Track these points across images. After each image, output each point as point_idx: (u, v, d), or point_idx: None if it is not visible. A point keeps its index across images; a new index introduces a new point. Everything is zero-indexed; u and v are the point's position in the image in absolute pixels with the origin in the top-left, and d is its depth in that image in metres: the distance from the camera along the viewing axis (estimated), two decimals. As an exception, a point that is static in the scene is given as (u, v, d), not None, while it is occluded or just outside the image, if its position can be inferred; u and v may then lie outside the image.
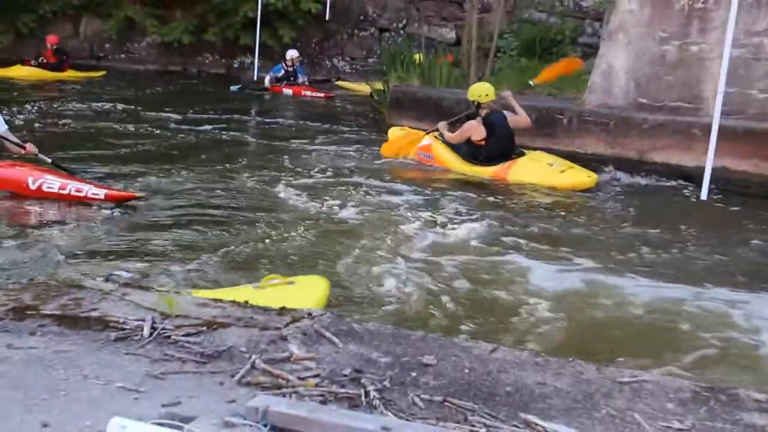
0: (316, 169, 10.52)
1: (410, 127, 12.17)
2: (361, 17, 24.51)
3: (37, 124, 13.14)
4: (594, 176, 10.26)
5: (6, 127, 7.82)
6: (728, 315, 5.94)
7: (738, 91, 10.36)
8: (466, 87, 12.97)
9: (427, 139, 11.33)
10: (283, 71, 19.69)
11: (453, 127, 10.99)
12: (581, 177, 10.23)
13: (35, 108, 14.87)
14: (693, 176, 10.40)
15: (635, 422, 2.63)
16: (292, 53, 19.93)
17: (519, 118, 10.69)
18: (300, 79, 19.72)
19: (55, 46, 20.67)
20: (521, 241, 7.63)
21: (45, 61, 20.55)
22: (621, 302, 6.08)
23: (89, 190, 6.85)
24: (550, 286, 6.36)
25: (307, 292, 5.01)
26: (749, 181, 10.27)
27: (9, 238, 6.19)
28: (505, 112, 10.61)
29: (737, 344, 5.43)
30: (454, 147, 10.92)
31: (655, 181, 10.77)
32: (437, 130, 11.19)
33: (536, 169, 10.29)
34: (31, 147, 7.73)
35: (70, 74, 20.75)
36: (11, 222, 6.68)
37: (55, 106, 15.91)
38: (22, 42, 23.87)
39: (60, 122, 13.67)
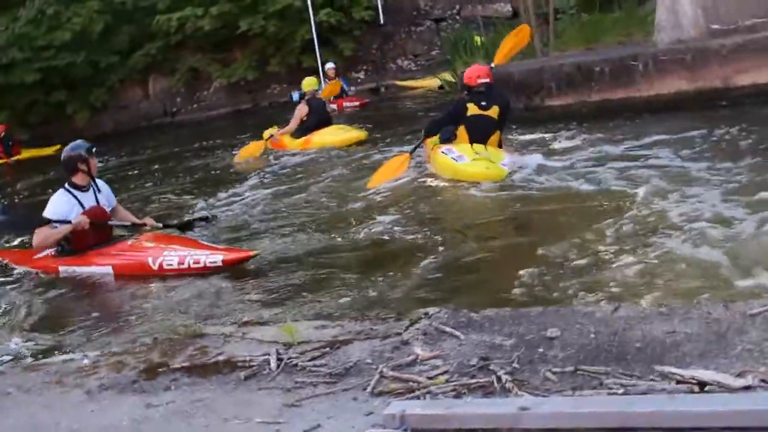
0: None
1: None
2: (415, 13, 24.52)
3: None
4: (364, 133, 12.85)
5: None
6: None
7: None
8: (533, 57, 12.97)
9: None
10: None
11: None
12: (353, 133, 12.80)
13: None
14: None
15: (774, 351, 2.57)
16: (328, 65, 20.18)
17: None
18: (350, 91, 19.64)
19: (2, 134, 21.04)
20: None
21: None
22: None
23: (206, 258, 6.79)
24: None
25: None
26: None
27: (124, 304, 6.38)
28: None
29: None
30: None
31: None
32: (271, 138, 13.29)
33: (331, 133, 12.77)
34: (149, 221, 7.89)
35: (25, 154, 20.97)
36: (123, 288, 6.84)
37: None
38: (98, 116, 24.65)
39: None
